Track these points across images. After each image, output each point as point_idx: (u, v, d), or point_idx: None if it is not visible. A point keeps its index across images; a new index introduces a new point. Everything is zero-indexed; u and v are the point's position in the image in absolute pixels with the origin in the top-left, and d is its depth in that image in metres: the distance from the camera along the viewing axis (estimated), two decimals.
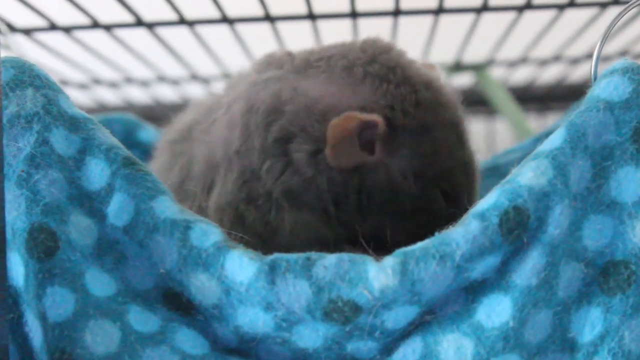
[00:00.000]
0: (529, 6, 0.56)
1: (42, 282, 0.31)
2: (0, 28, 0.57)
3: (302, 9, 0.56)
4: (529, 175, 0.32)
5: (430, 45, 0.68)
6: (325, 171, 0.42)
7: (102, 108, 0.88)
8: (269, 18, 0.57)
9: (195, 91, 0.86)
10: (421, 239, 0.32)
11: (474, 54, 0.75)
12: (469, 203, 0.35)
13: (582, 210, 0.33)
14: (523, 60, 0.78)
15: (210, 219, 0.35)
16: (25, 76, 0.34)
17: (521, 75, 0.87)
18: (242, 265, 0.32)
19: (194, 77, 0.78)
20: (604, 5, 0.56)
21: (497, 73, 0.83)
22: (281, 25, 0.61)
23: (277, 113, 0.42)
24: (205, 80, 0.80)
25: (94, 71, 0.76)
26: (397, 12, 0.56)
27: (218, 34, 0.65)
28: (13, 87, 0.34)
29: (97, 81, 0.79)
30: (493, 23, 0.65)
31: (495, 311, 0.32)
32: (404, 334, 0.33)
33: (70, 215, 0.33)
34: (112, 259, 0.33)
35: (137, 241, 0.33)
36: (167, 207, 0.33)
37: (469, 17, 0.60)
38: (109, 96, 0.87)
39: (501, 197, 0.32)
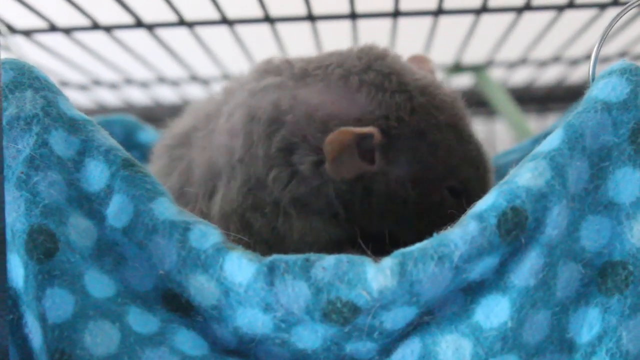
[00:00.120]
0: (528, 7, 0.56)
1: (41, 284, 0.31)
2: (0, 29, 0.57)
3: (302, 10, 0.57)
4: (526, 176, 0.32)
5: (429, 47, 0.68)
6: (331, 180, 0.42)
7: (102, 109, 0.88)
8: (268, 19, 0.57)
9: (194, 92, 0.86)
10: None
11: (474, 55, 0.75)
12: (484, 193, 0.35)
13: (580, 211, 0.33)
14: (522, 61, 0.78)
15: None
16: (25, 78, 0.35)
17: (521, 76, 0.87)
18: (241, 267, 0.32)
19: (194, 78, 0.78)
20: (602, 7, 0.57)
21: (496, 74, 0.83)
22: (280, 27, 0.61)
23: (278, 123, 0.42)
24: (204, 82, 0.80)
25: (93, 72, 0.76)
26: (396, 14, 0.57)
27: (218, 35, 0.65)
28: (12, 89, 0.34)
29: (97, 82, 0.80)
30: (492, 24, 0.65)
31: (494, 312, 0.32)
32: (403, 335, 0.33)
33: (70, 216, 0.33)
34: (111, 261, 0.33)
35: (136, 242, 0.33)
36: (166, 209, 0.34)
37: (469, 18, 0.60)
38: (109, 97, 0.87)
39: (499, 198, 0.32)
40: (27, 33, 0.59)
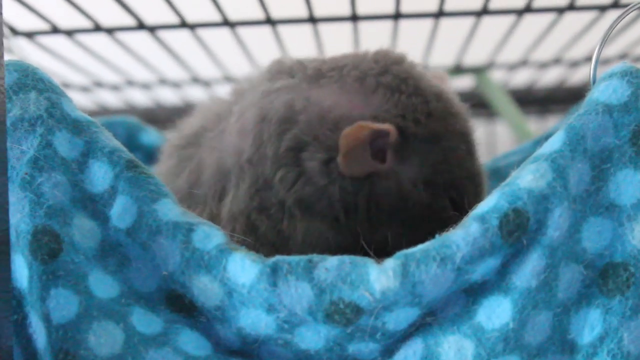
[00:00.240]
0: (528, 9, 0.56)
1: (45, 284, 0.31)
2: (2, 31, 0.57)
3: (303, 13, 0.57)
4: (528, 178, 0.32)
5: (430, 48, 0.68)
6: (338, 180, 0.42)
7: (103, 111, 0.88)
8: (270, 21, 0.57)
9: (196, 94, 0.86)
10: None
11: (474, 56, 0.76)
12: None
13: (581, 212, 0.33)
14: (523, 63, 0.78)
15: (223, 227, 0.35)
16: (29, 79, 0.35)
17: (521, 78, 0.87)
18: (244, 268, 0.32)
19: (195, 80, 0.78)
20: (603, 9, 0.57)
21: (497, 76, 0.83)
22: (282, 29, 0.61)
23: (290, 122, 0.42)
24: (206, 83, 0.80)
25: (95, 74, 0.76)
26: (397, 16, 0.57)
27: (219, 37, 0.65)
28: (16, 90, 0.34)
29: (98, 84, 0.80)
30: (493, 26, 0.65)
31: (496, 313, 0.32)
32: (405, 336, 0.33)
33: (74, 217, 0.33)
34: (115, 261, 0.34)
35: (140, 243, 0.33)
36: (169, 210, 0.34)
37: (469, 20, 0.61)
38: (111, 99, 0.88)
39: (501, 200, 0.32)
40: (30, 35, 0.59)
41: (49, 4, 0.55)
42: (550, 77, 0.87)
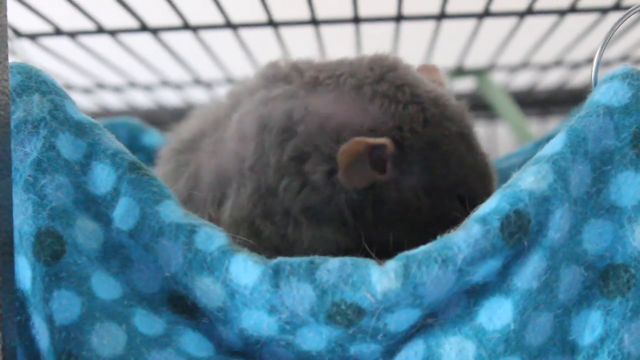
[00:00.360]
0: (530, 12, 0.56)
1: (48, 286, 0.31)
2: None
3: (305, 15, 0.57)
4: (529, 180, 0.32)
5: (432, 50, 0.68)
6: (343, 190, 0.42)
7: (105, 112, 0.88)
8: (272, 23, 0.57)
9: (198, 96, 0.86)
10: None
11: (476, 58, 0.76)
12: None
13: (582, 214, 0.33)
14: (524, 65, 0.78)
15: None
16: (32, 82, 0.35)
17: (522, 80, 0.87)
18: (246, 269, 0.32)
19: (197, 82, 0.78)
20: (604, 11, 0.57)
21: (498, 78, 0.84)
22: (284, 31, 0.61)
23: (290, 132, 0.43)
24: (208, 85, 0.80)
25: (98, 76, 0.76)
26: (399, 18, 0.57)
27: (221, 39, 0.65)
28: (20, 92, 0.34)
29: (101, 86, 0.80)
30: (494, 28, 0.65)
31: (497, 314, 0.32)
32: (407, 337, 0.33)
33: (77, 219, 0.33)
34: (118, 263, 0.34)
35: (142, 245, 0.33)
36: (172, 211, 0.34)
37: (471, 23, 0.61)
38: (113, 100, 0.88)
39: (502, 201, 0.32)
40: (33, 37, 0.59)
41: (51, 6, 0.55)
42: (551, 79, 0.87)
